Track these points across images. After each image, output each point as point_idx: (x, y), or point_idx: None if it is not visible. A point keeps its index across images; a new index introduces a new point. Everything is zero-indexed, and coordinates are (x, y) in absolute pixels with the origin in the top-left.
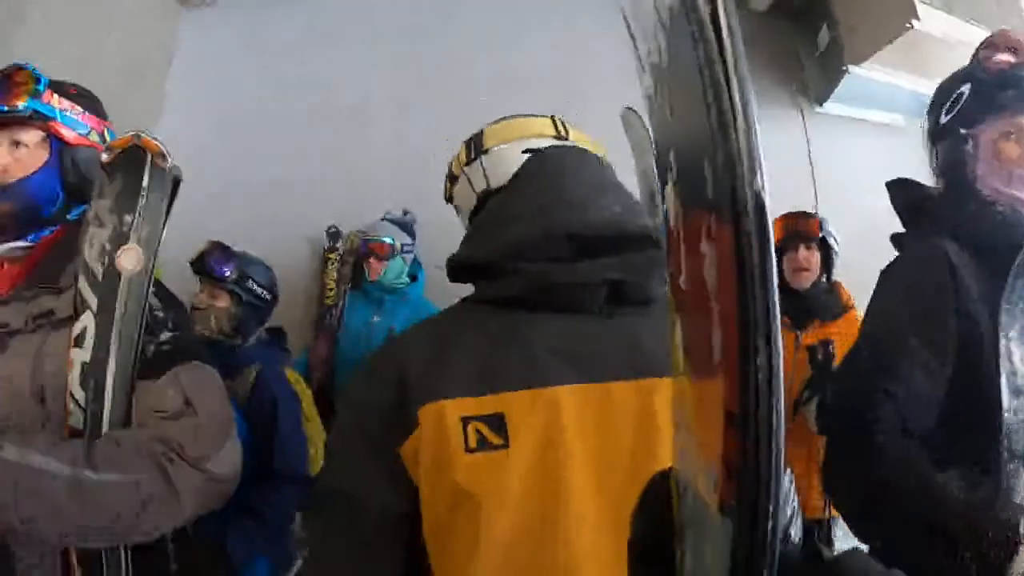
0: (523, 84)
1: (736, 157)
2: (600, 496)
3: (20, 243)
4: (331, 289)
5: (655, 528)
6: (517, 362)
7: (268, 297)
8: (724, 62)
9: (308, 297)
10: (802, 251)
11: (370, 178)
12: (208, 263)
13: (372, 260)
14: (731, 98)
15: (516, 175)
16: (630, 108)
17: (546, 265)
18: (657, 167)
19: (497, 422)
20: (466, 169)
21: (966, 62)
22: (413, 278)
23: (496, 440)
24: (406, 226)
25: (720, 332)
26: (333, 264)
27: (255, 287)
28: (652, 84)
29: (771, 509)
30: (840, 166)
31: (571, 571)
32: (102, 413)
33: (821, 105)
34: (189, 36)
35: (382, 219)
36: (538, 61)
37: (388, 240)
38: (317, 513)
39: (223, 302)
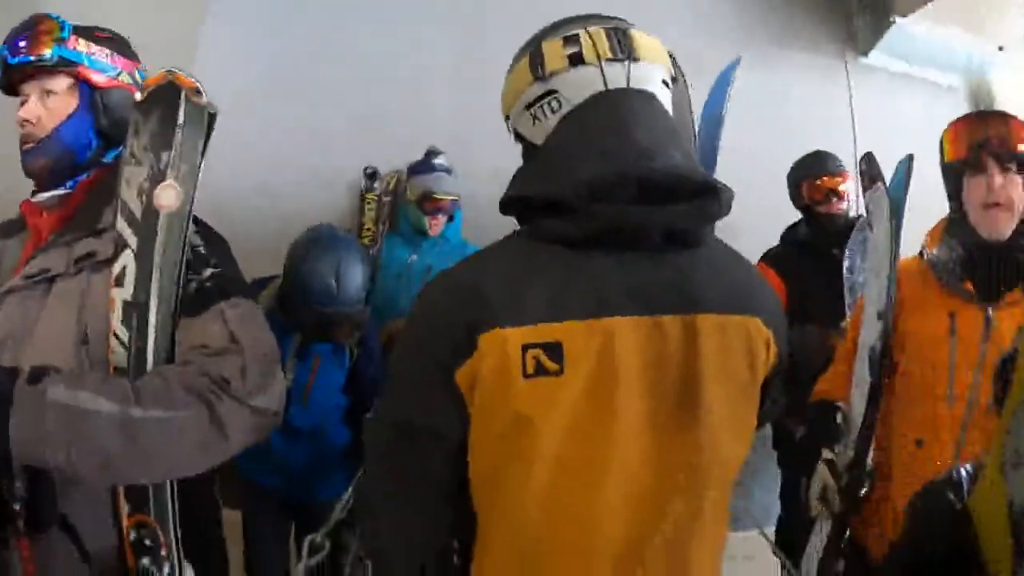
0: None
1: None
2: (645, 421)
3: (58, 191)
4: (368, 229)
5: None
6: (577, 295)
7: None
8: None
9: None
10: (996, 175)
11: (408, 121)
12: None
13: (440, 216)
14: None
15: (579, 114)
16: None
17: (618, 207)
18: None
19: (555, 349)
20: (524, 94)
21: (1017, 20)
22: (450, 218)
23: (552, 367)
24: (451, 171)
25: None
26: (371, 205)
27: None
28: None
29: None
30: (882, 119)
31: (612, 488)
32: (145, 351)
33: (867, 55)
34: None
35: (430, 163)
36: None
37: (456, 196)
38: (386, 434)
39: None
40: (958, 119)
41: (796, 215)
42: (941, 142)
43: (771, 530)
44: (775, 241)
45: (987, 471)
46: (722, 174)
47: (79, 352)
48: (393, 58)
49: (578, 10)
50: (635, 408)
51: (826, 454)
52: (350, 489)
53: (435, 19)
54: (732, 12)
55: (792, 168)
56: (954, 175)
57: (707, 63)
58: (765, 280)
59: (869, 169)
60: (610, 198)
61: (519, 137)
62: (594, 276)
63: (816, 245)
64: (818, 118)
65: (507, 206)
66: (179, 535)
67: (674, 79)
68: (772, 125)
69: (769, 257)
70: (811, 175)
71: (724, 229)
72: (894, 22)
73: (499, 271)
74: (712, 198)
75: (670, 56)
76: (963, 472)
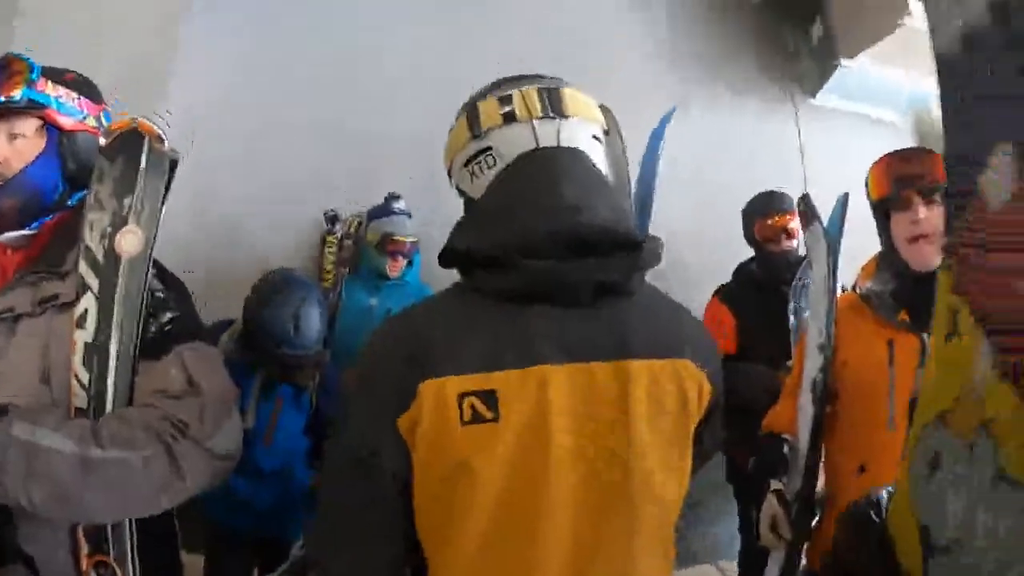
0: (536, 62)
1: None
2: (579, 464)
3: (24, 232)
4: (329, 272)
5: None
6: (512, 346)
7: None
8: None
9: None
10: (920, 209)
11: (369, 164)
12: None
13: (399, 258)
14: None
15: (513, 172)
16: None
17: (547, 264)
18: (960, 129)
19: (490, 397)
20: (462, 151)
21: None
22: (409, 262)
23: (488, 414)
24: (411, 215)
25: None
26: (331, 247)
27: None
28: (1000, 14)
29: None
30: (831, 157)
31: (550, 531)
32: (105, 393)
33: (814, 96)
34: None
35: (389, 208)
36: (550, 40)
37: (414, 238)
38: (336, 473)
39: None
40: (880, 159)
41: (749, 251)
42: (866, 182)
43: (731, 563)
44: (729, 277)
45: (899, 486)
46: (679, 211)
47: (41, 391)
48: (359, 107)
49: (540, 41)
50: (569, 453)
51: (774, 484)
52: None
53: (398, 82)
54: (685, 59)
55: (745, 207)
56: (881, 212)
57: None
58: (699, 322)
59: (807, 209)
60: (540, 254)
61: (460, 191)
62: (528, 327)
63: (766, 282)
64: (770, 157)
65: (447, 259)
66: (138, 575)
67: (607, 132)
68: (726, 165)
69: (722, 293)
70: (762, 214)
71: (677, 266)
72: (840, 64)
73: (438, 322)
74: (638, 250)
75: (605, 109)
76: (884, 492)
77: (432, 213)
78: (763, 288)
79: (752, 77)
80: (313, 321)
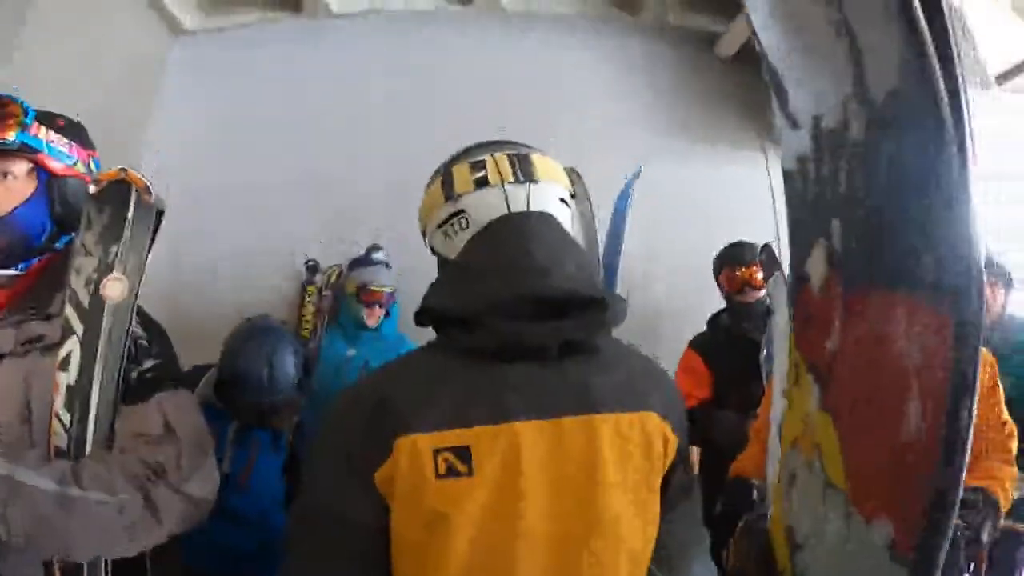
0: (506, 120)
1: (973, 257)
2: (550, 515)
3: (10, 272)
4: (308, 321)
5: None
6: (483, 403)
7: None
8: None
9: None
10: None
11: (355, 210)
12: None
13: (376, 308)
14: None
15: (484, 235)
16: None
17: (516, 325)
18: (796, 227)
19: (464, 453)
20: (436, 213)
21: None
22: (387, 313)
23: (462, 468)
24: (389, 266)
25: (922, 404)
26: (311, 297)
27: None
28: (816, 148)
29: (943, 556)
30: None
31: None
32: (86, 435)
33: None
34: (178, 65)
35: (368, 259)
36: (519, 98)
37: (391, 288)
38: (305, 527)
39: None
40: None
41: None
42: None
43: None
44: (703, 326)
45: (773, 499)
46: (651, 262)
47: (21, 430)
48: (340, 157)
49: (511, 93)
50: (540, 505)
51: (741, 523)
52: None
53: (396, 114)
54: (659, 112)
55: (714, 258)
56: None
57: (639, 162)
58: (664, 373)
59: (767, 259)
60: (508, 315)
61: (434, 251)
62: (498, 384)
63: (736, 331)
64: (741, 207)
65: (421, 318)
66: None
67: (573, 195)
68: (698, 214)
69: (695, 344)
70: (727, 265)
71: (653, 316)
72: None
73: (409, 381)
74: (603, 310)
75: (574, 172)
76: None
77: (405, 265)
78: (734, 337)
79: (724, 129)
80: (286, 367)
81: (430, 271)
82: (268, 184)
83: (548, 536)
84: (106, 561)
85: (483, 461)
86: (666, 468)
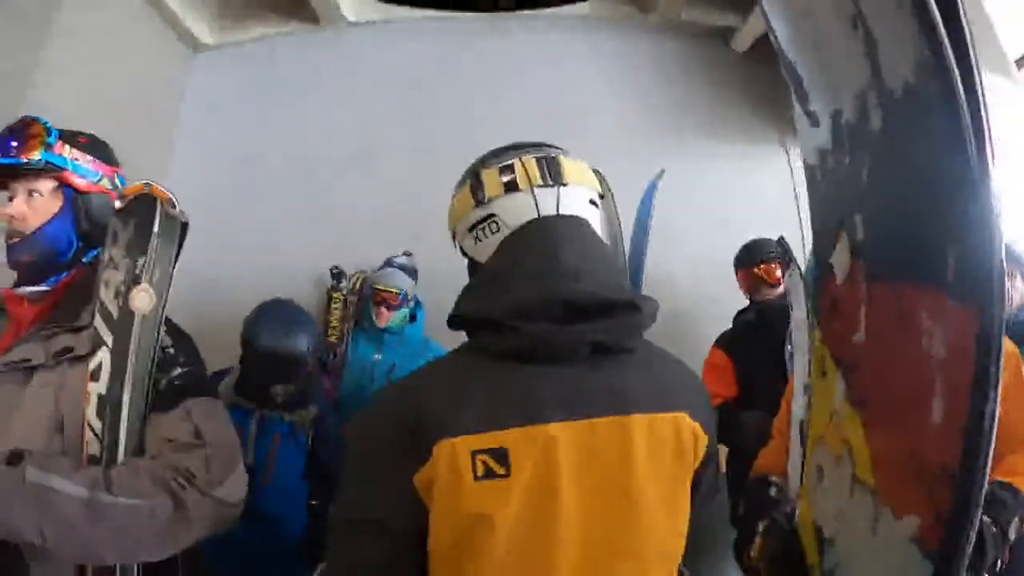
0: (520, 125)
1: (995, 252)
2: (584, 514)
3: (39, 288)
4: (334, 327)
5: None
6: (518, 405)
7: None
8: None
9: None
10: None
11: (373, 219)
12: None
13: (383, 308)
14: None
15: (515, 239)
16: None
17: (543, 326)
18: (819, 220)
19: (501, 454)
20: (466, 217)
21: None
22: (412, 318)
23: (500, 470)
24: (410, 270)
25: (944, 398)
26: (337, 303)
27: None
28: (836, 141)
29: (969, 550)
30: None
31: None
32: (117, 442)
33: None
34: (198, 80)
35: (390, 264)
36: (532, 102)
37: (398, 290)
38: (345, 535)
39: None
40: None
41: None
42: None
43: None
44: (728, 325)
45: (802, 496)
46: (674, 261)
47: (54, 440)
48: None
49: (519, 95)
50: (576, 505)
51: (760, 526)
52: None
53: (413, 125)
54: (673, 111)
55: (734, 257)
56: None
57: (654, 162)
58: (694, 375)
59: (784, 254)
60: (538, 318)
61: (464, 254)
62: (532, 386)
63: (760, 328)
64: (762, 203)
65: (455, 322)
66: None
67: (602, 196)
68: (717, 213)
69: (721, 341)
70: (745, 265)
71: (679, 316)
72: None
73: (444, 385)
74: (634, 312)
75: (597, 173)
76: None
77: (436, 270)
78: (758, 334)
79: (742, 127)
80: (302, 326)
81: (458, 278)
82: (292, 210)
83: (583, 534)
84: (138, 564)
85: (520, 462)
86: (696, 467)
